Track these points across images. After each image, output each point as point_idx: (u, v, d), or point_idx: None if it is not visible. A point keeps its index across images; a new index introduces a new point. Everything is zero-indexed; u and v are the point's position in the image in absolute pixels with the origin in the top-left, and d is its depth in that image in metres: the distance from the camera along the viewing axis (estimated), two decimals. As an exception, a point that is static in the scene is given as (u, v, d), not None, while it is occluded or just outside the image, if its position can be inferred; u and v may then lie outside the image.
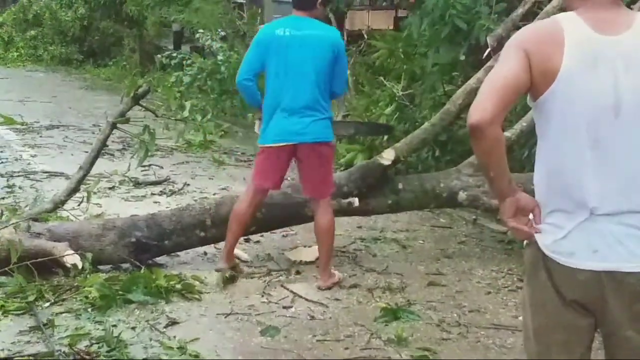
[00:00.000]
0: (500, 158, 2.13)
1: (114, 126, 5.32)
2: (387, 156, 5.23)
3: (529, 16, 5.95)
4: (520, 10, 5.64)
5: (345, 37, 9.86)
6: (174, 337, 4.03)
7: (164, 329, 4.14)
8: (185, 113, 5.82)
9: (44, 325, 4.09)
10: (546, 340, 2.21)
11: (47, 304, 4.37)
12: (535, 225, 2.19)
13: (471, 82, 5.44)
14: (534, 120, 2.24)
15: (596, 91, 2.08)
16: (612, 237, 2.09)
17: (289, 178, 7.40)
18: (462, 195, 5.26)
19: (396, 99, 7.72)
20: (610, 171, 2.10)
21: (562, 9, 5.75)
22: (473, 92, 5.39)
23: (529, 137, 5.11)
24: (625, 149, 2.10)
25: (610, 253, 2.09)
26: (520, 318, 3.07)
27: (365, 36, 10.20)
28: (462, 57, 6.69)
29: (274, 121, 4.60)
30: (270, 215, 5.13)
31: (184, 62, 10.50)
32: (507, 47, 2.17)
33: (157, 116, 5.63)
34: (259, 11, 12.71)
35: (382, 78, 8.35)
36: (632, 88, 2.08)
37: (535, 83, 2.11)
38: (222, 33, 10.77)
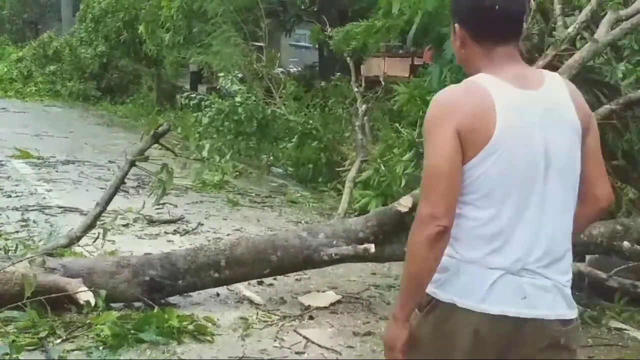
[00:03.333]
0: (432, 274, 2.09)
1: (132, 164, 5.34)
2: (404, 203, 5.20)
3: (550, 69, 5.98)
4: (540, 63, 5.66)
5: (363, 83, 9.92)
6: (186, 379, 3.98)
7: (176, 371, 4.09)
8: (205, 153, 5.84)
9: (55, 362, 4.05)
10: None
11: (59, 340, 4.33)
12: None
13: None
14: None
15: (530, 146, 2.08)
16: (536, 288, 2.08)
17: (303, 221, 7.44)
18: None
19: (413, 145, 7.72)
20: (541, 225, 2.09)
21: (583, 63, 5.82)
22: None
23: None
24: (553, 202, 2.11)
25: (534, 302, 2.08)
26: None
27: (382, 82, 10.26)
28: (481, 107, 6.71)
29: None
30: (284, 259, 5.10)
31: (203, 102, 10.58)
32: (433, 124, 2.09)
33: (175, 155, 5.64)
34: (277, 54, 12.85)
35: (397, 124, 8.37)
36: (558, 140, 2.10)
37: (464, 148, 2.05)
38: (240, 75, 10.86)
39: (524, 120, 2.08)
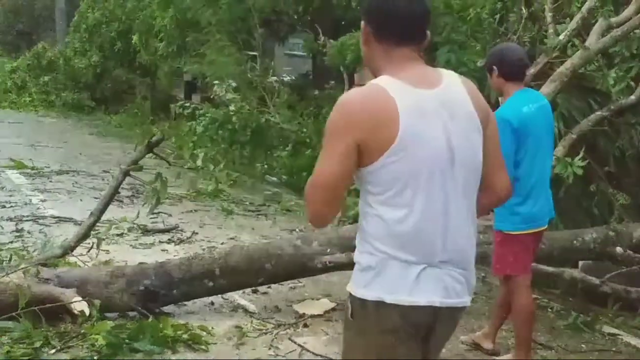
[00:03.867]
0: None
1: (127, 173, 5.35)
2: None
3: (541, 77, 6.02)
4: (532, 70, 5.69)
5: (356, 92, 9.94)
6: (180, 388, 3.98)
7: (170, 380, 4.09)
8: (199, 162, 5.85)
9: (49, 372, 4.05)
10: None
11: (53, 350, 4.33)
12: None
13: (483, 139, 5.47)
14: (360, 184, 2.25)
15: (432, 145, 2.17)
16: (452, 278, 2.23)
17: (297, 230, 7.45)
18: (472, 252, 5.23)
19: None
20: (450, 218, 2.21)
21: (574, 71, 5.86)
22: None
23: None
24: (460, 195, 2.22)
25: (452, 291, 2.23)
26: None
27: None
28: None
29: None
30: (278, 267, 5.11)
31: (197, 111, 10.60)
32: (335, 129, 2.20)
33: (169, 164, 5.66)
34: (271, 63, 12.88)
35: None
36: (460, 135, 2.20)
37: (370, 152, 2.15)
38: (234, 84, 10.88)
39: (426, 119, 2.17)
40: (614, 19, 6.27)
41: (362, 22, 2.31)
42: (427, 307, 2.20)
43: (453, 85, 2.27)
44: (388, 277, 2.19)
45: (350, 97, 2.25)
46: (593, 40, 6.05)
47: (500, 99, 4.39)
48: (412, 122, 2.14)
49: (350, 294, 2.26)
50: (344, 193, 2.27)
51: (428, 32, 2.32)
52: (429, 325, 2.25)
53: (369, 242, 2.22)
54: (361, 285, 2.23)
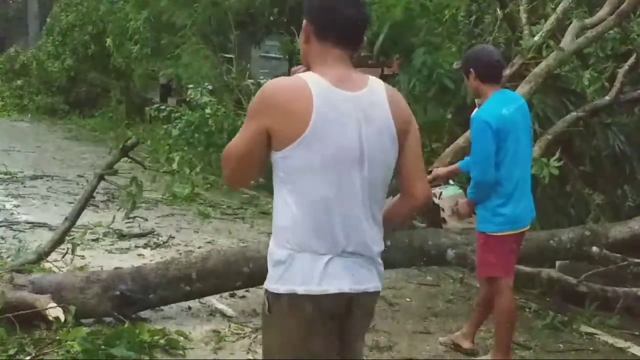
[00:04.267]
0: None
1: (101, 178, 5.30)
2: (377, 211, 5.21)
3: (517, 77, 6.05)
4: (507, 72, 5.71)
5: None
6: (158, 394, 3.94)
7: (147, 386, 4.04)
8: (175, 165, 5.80)
9: (24, 380, 3.99)
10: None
11: (28, 357, 4.26)
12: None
13: (459, 141, 5.49)
14: (274, 170, 2.34)
15: (343, 142, 2.27)
16: (359, 266, 2.32)
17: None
18: (450, 254, 5.25)
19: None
20: (354, 213, 2.30)
21: (550, 71, 5.89)
22: (461, 151, 5.44)
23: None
24: (365, 193, 2.31)
25: (359, 278, 2.32)
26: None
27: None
28: (449, 116, 6.76)
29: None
30: (256, 270, 5.07)
31: (172, 114, 10.52)
32: (251, 110, 2.34)
33: (145, 168, 5.60)
34: (247, 66, 12.82)
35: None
36: (372, 138, 2.30)
37: (284, 137, 2.25)
38: (210, 87, 10.81)
39: (340, 117, 2.27)
40: (588, 20, 6.32)
41: (304, 21, 2.39)
42: (337, 294, 2.28)
43: (375, 92, 2.35)
44: (298, 269, 2.28)
45: (270, 84, 2.35)
46: (568, 41, 6.09)
47: (477, 101, 4.40)
48: (325, 117, 2.24)
49: (266, 289, 2.34)
50: (254, 169, 2.37)
51: (365, 39, 2.44)
52: (343, 313, 2.33)
53: (281, 234, 2.32)
54: (274, 280, 2.31)
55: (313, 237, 2.27)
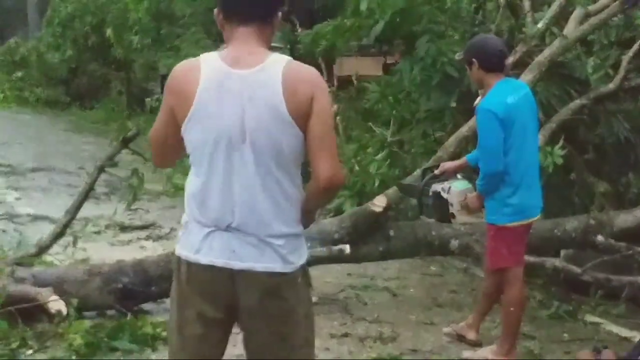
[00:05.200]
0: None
1: (102, 170, 5.26)
2: (378, 203, 5.19)
3: (520, 65, 6.00)
4: (510, 59, 5.65)
5: (335, 83, 9.87)
6: (161, 387, 3.92)
7: (150, 379, 4.03)
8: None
9: (27, 374, 3.97)
10: (186, 333, 2.45)
11: (30, 351, 4.25)
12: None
13: (463, 130, 5.45)
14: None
15: (225, 119, 2.32)
16: (243, 243, 2.36)
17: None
18: (454, 244, 5.22)
19: (385, 145, 7.72)
20: (235, 191, 2.35)
21: (553, 60, 5.84)
22: (465, 140, 5.41)
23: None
24: (252, 172, 2.35)
25: (243, 255, 2.36)
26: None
27: (355, 82, 10.24)
28: (453, 104, 6.71)
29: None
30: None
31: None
32: (163, 94, 2.48)
33: (146, 160, 5.55)
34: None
35: (370, 124, 8.35)
36: (255, 117, 2.32)
37: (181, 116, 2.37)
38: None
39: (223, 96, 2.32)
40: (591, 7, 6.26)
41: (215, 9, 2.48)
42: (210, 266, 2.36)
43: (266, 70, 2.34)
44: (187, 235, 2.42)
45: (175, 66, 2.48)
46: (571, 29, 6.03)
47: (480, 91, 4.35)
48: (207, 96, 2.32)
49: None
50: (171, 148, 2.49)
51: (279, 14, 2.45)
52: (228, 289, 2.37)
53: (185, 201, 2.45)
54: (178, 243, 2.47)
55: (199, 209, 2.38)
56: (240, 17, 2.40)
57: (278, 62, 2.35)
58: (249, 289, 2.37)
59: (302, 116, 2.32)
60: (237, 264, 2.35)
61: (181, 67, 2.44)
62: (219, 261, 2.36)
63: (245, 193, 2.35)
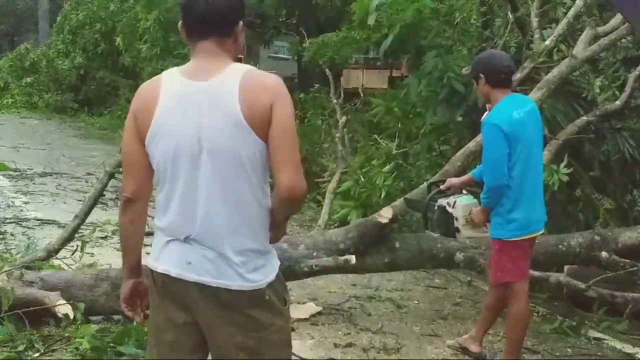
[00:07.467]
0: (138, 236, 2.51)
1: (111, 176, 5.31)
2: (384, 214, 5.22)
3: (527, 82, 6.04)
4: (518, 76, 5.71)
5: (342, 95, 9.93)
6: (166, 392, 3.94)
7: (156, 384, 4.04)
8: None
9: (33, 376, 4.00)
10: (159, 340, 2.48)
11: (37, 354, 4.27)
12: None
13: (470, 145, 5.48)
14: None
15: (182, 132, 2.31)
16: (200, 256, 2.34)
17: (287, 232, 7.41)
18: (459, 257, 5.24)
19: (390, 157, 7.77)
20: (195, 204, 2.34)
21: (562, 78, 5.88)
22: (472, 155, 5.44)
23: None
24: (212, 184, 2.32)
25: (199, 268, 2.35)
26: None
27: (362, 94, 10.30)
28: (459, 119, 6.75)
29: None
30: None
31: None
32: (129, 113, 2.46)
33: (154, 167, 5.60)
34: (256, 66, 12.82)
35: (376, 136, 8.40)
36: (213, 127, 2.29)
37: (143, 133, 2.36)
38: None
39: (182, 107, 2.32)
40: (600, 28, 6.30)
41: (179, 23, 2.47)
42: (166, 275, 2.38)
43: (226, 81, 2.31)
44: (154, 243, 2.46)
45: (144, 83, 2.49)
46: (580, 49, 6.07)
47: (487, 106, 4.39)
48: (167, 111, 2.33)
49: None
50: (138, 165, 2.42)
51: (237, 26, 2.40)
52: (182, 296, 2.38)
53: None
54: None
55: (160, 220, 2.41)
56: (199, 31, 2.39)
57: (237, 71, 2.32)
58: (205, 301, 2.35)
59: (261, 124, 2.27)
60: (192, 277, 2.34)
61: (143, 86, 2.46)
62: (174, 271, 2.36)
63: (205, 205, 2.32)
